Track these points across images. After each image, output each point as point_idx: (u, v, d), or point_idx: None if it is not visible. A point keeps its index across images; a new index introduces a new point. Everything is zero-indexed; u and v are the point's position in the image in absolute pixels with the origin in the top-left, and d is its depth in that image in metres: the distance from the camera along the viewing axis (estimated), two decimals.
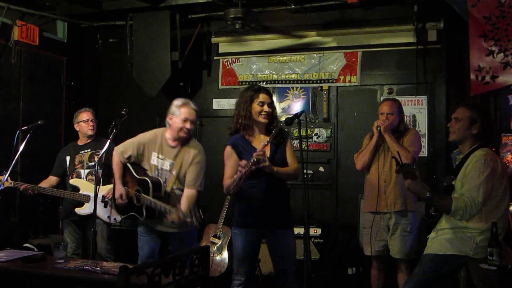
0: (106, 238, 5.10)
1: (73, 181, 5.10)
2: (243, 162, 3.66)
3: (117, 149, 4.29)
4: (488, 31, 4.64)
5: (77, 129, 5.29)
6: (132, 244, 4.52)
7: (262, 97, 3.83)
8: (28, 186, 4.92)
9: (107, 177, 5.00)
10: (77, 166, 5.17)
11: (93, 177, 4.70)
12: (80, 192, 5.04)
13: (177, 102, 4.17)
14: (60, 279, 3.19)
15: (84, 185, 5.06)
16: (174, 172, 4.14)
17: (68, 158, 5.23)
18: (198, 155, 4.18)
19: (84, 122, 5.21)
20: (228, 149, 3.87)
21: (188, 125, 4.10)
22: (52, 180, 5.24)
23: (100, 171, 4.84)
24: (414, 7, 5.61)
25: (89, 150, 5.20)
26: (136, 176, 4.21)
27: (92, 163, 4.97)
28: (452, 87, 5.71)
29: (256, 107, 3.82)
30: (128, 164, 4.28)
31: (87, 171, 5.12)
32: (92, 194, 4.81)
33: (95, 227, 3.95)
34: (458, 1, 4.78)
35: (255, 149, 3.72)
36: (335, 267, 5.39)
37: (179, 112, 4.10)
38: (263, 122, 3.84)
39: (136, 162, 4.27)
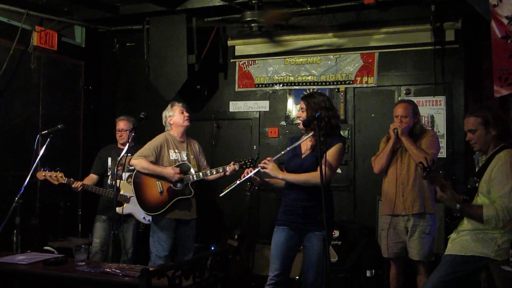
0: (135, 235, 5.41)
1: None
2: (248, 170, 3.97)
3: (140, 156, 4.88)
4: (510, 32, 4.57)
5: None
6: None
7: (300, 104, 4.05)
8: (80, 186, 5.25)
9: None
10: (118, 169, 5.27)
11: (132, 180, 5.03)
12: (121, 193, 5.25)
13: (166, 109, 5.08)
14: (82, 281, 3.23)
15: (124, 186, 5.25)
16: (192, 158, 5.02)
17: (109, 159, 5.47)
18: (200, 145, 5.26)
19: (117, 132, 5.52)
20: None
21: (186, 114, 5.04)
22: (93, 178, 5.50)
23: (124, 174, 5.28)
24: (431, 7, 5.56)
25: (129, 154, 5.28)
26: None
27: (132, 167, 5.10)
28: (471, 87, 5.65)
29: None
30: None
31: (127, 174, 5.31)
32: (128, 195, 5.23)
33: (115, 229, 4.01)
34: (479, 1, 4.71)
35: (298, 150, 4.02)
36: (353, 269, 5.35)
37: (173, 111, 5.02)
38: (303, 128, 3.99)
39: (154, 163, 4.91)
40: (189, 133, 5.26)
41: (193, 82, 6.45)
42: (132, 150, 5.25)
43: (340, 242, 5.46)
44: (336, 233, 5.45)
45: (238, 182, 3.93)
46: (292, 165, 3.98)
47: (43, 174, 5.14)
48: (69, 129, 6.24)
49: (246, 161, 4.76)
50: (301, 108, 3.98)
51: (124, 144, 5.38)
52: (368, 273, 5.34)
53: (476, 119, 3.50)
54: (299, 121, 4.02)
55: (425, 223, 4.53)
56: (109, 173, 5.45)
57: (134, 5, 6.27)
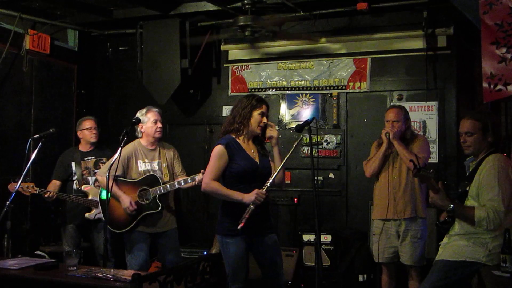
0: (109, 240, 5.12)
1: (83, 188, 5.24)
2: (260, 192, 3.70)
3: (105, 171, 4.30)
4: (500, 38, 4.61)
5: (80, 136, 5.46)
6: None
7: (265, 108, 3.93)
8: (54, 194, 5.13)
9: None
10: (84, 173, 5.31)
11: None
12: (90, 198, 5.16)
13: (140, 112, 4.72)
14: (73, 286, 3.21)
15: (92, 191, 5.18)
16: (164, 167, 4.75)
17: (73, 164, 5.36)
18: (175, 151, 4.95)
19: (87, 130, 5.39)
20: (221, 148, 3.79)
21: (159, 125, 4.70)
22: (57, 184, 5.37)
23: (91, 178, 5.24)
24: (423, 13, 5.59)
25: (93, 157, 5.38)
26: (134, 180, 4.66)
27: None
28: (462, 93, 5.69)
29: (257, 116, 3.88)
30: (118, 178, 4.55)
31: (94, 177, 5.23)
32: (97, 200, 5.04)
33: (107, 234, 3.98)
34: (469, 8, 4.75)
35: (246, 153, 3.83)
36: (346, 274, 5.36)
37: (147, 118, 4.67)
38: (258, 132, 3.91)
39: (122, 176, 4.64)
40: (182, 138, 5.26)
41: (186, 86, 6.45)
42: (99, 152, 5.35)
43: (332, 247, 5.47)
44: (328, 238, 5.46)
45: (252, 206, 3.68)
46: (252, 168, 3.85)
47: (15, 186, 4.83)
48: (61, 133, 6.24)
49: None
50: (263, 113, 3.90)
51: (93, 144, 5.40)
52: (360, 278, 5.35)
53: (476, 123, 3.51)
54: (261, 126, 3.89)
55: (417, 227, 4.56)
56: (74, 178, 5.34)
57: (127, 9, 6.27)
